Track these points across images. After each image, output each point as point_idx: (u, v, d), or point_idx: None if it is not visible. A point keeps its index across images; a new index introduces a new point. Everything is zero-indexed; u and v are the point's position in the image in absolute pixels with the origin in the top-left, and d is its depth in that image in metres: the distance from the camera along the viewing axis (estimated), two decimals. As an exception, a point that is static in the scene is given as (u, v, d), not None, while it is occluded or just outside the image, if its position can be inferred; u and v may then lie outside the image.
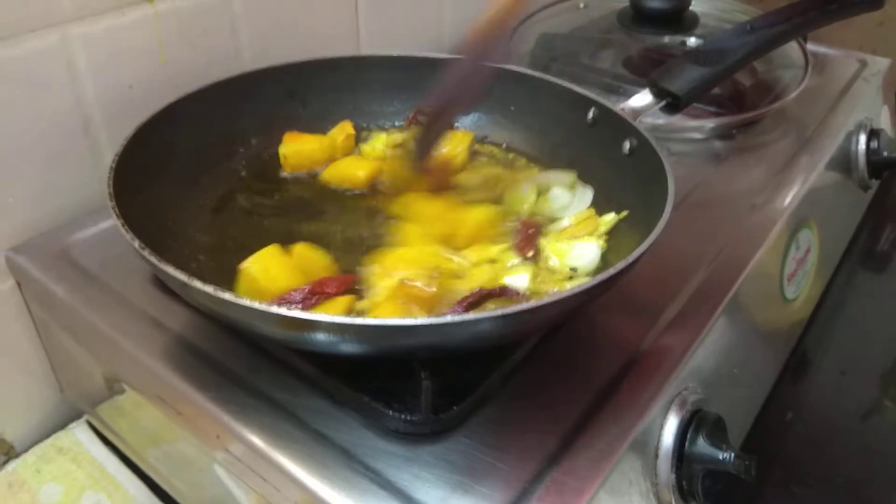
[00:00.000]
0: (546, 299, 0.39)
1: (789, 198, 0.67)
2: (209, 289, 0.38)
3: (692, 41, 0.90)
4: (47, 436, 0.65)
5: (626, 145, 0.56)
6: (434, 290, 0.48)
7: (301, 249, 0.50)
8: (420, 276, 0.49)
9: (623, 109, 0.57)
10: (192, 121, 0.58)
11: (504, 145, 0.67)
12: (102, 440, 0.64)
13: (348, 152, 0.64)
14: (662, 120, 0.72)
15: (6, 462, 0.63)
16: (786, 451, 0.70)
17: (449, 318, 0.38)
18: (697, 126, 0.75)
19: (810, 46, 0.90)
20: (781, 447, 0.70)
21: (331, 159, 0.63)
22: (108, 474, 0.62)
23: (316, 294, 0.47)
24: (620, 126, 0.57)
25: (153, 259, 0.40)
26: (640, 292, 0.53)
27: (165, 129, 0.55)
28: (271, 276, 0.47)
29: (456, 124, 0.68)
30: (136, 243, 0.41)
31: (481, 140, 0.67)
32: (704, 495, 0.47)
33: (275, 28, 0.72)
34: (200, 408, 0.45)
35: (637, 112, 0.57)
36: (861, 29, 1.16)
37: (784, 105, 0.79)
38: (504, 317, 0.39)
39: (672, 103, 0.57)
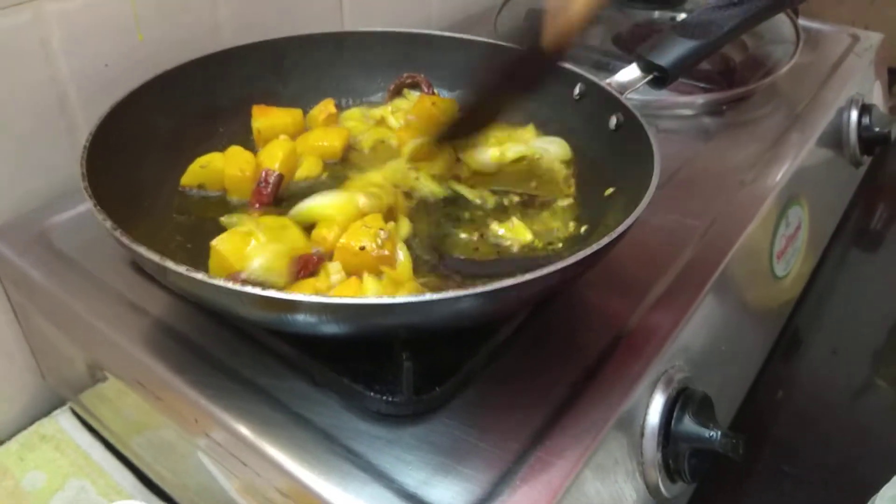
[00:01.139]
0: (528, 276, 0.38)
1: (779, 174, 0.66)
2: (182, 269, 0.37)
3: (683, 16, 0.89)
4: (30, 423, 0.64)
5: (613, 121, 0.55)
6: (386, 252, 0.47)
7: (271, 224, 0.49)
8: (366, 236, 0.47)
9: (610, 84, 0.56)
10: (170, 99, 0.57)
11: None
12: (86, 427, 0.64)
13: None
14: (652, 96, 0.71)
15: (-11, 450, 0.63)
16: (776, 430, 0.70)
17: (428, 297, 0.37)
18: (687, 102, 0.74)
19: (802, 22, 0.89)
20: (772, 426, 0.70)
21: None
22: (93, 461, 0.62)
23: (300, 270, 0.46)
24: (607, 101, 0.56)
25: (125, 240, 0.39)
26: (628, 269, 0.53)
27: (142, 108, 0.54)
28: (242, 255, 0.46)
29: (440, 93, 0.67)
30: (108, 224, 0.40)
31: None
32: (691, 474, 0.47)
33: (255, 4, 0.70)
34: (179, 392, 0.44)
35: (624, 87, 0.56)
36: (853, 5, 1.14)
37: (775, 80, 0.78)
38: (484, 294, 0.38)
39: (659, 77, 0.56)
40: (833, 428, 0.71)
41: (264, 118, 0.60)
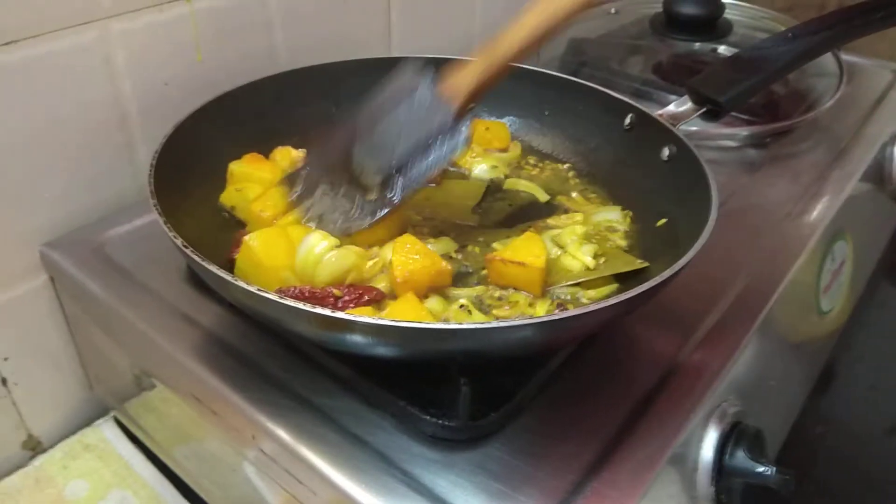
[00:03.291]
0: (589, 307, 0.39)
1: (825, 209, 0.66)
2: (253, 288, 0.38)
3: (723, 48, 0.89)
4: (74, 432, 0.65)
5: (665, 152, 0.55)
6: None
7: (297, 234, 0.50)
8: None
9: (662, 115, 0.57)
10: (228, 120, 0.58)
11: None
12: (129, 437, 0.64)
13: None
14: (696, 127, 0.71)
15: (33, 457, 0.63)
16: (816, 466, 0.69)
17: (492, 324, 0.37)
18: (731, 134, 0.75)
19: (844, 56, 0.89)
20: (812, 462, 0.69)
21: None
22: (134, 472, 0.62)
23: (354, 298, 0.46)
24: (659, 132, 0.56)
25: (196, 257, 0.40)
26: (677, 302, 0.52)
27: (201, 128, 0.55)
28: (271, 253, 0.47)
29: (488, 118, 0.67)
30: (180, 241, 0.41)
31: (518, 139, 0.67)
32: (742, 510, 0.46)
33: (309, 28, 0.72)
34: (236, 407, 0.45)
35: (676, 118, 0.57)
36: (893, 41, 1.14)
37: (818, 115, 0.78)
38: (545, 324, 0.38)
39: (712, 111, 0.56)
40: (872, 464, 0.70)
41: (246, 166, 0.57)
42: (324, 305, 0.43)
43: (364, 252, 0.50)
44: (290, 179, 0.54)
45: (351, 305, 0.45)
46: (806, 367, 0.68)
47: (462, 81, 0.50)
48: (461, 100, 0.50)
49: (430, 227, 0.57)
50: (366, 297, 0.46)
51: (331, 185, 0.53)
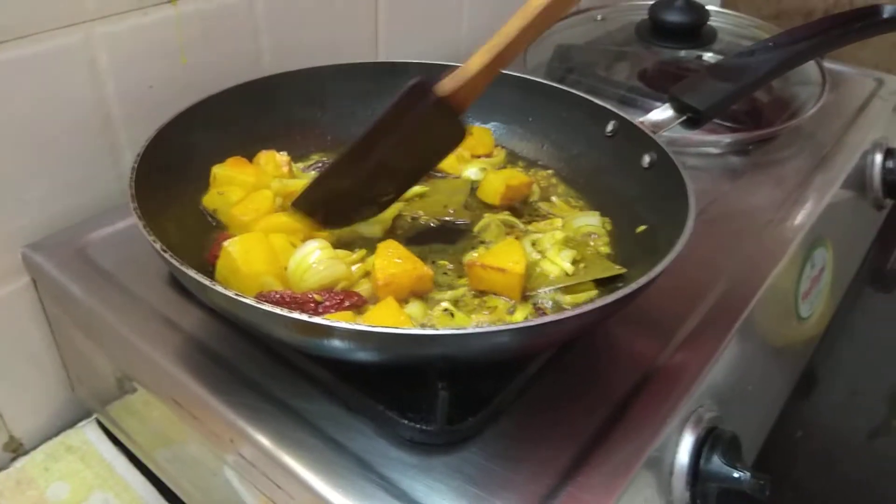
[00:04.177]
0: (566, 314, 0.39)
1: (806, 216, 0.67)
2: (230, 293, 0.38)
3: (708, 56, 0.90)
4: (56, 434, 0.65)
5: (646, 159, 0.56)
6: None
7: (278, 241, 0.50)
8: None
9: (643, 123, 0.57)
10: (212, 123, 0.58)
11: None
12: (112, 439, 0.64)
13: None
14: (678, 133, 0.72)
15: (14, 459, 0.63)
16: (796, 471, 0.70)
17: (470, 330, 0.37)
18: (714, 141, 0.75)
19: (827, 64, 0.90)
20: (791, 467, 0.70)
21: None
22: (117, 474, 0.62)
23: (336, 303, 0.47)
24: (640, 140, 0.56)
25: (175, 262, 0.40)
26: (656, 307, 0.53)
27: (186, 131, 0.55)
28: (249, 259, 0.47)
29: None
30: (158, 245, 0.41)
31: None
32: (717, 514, 0.47)
33: (295, 32, 0.72)
34: (215, 411, 0.45)
35: (657, 126, 0.57)
36: (876, 49, 1.15)
37: (800, 122, 0.78)
38: (522, 330, 0.38)
39: (693, 118, 0.57)
40: (852, 469, 0.71)
41: (230, 169, 0.57)
42: (303, 310, 0.43)
43: (351, 260, 0.51)
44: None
45: (331, 310, 0.46)
46: (785, 372, 0.69)
47: (466, 90, 0.49)
48: (467, 107, 0.50)
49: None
50: (346, 303, 0.46)
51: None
